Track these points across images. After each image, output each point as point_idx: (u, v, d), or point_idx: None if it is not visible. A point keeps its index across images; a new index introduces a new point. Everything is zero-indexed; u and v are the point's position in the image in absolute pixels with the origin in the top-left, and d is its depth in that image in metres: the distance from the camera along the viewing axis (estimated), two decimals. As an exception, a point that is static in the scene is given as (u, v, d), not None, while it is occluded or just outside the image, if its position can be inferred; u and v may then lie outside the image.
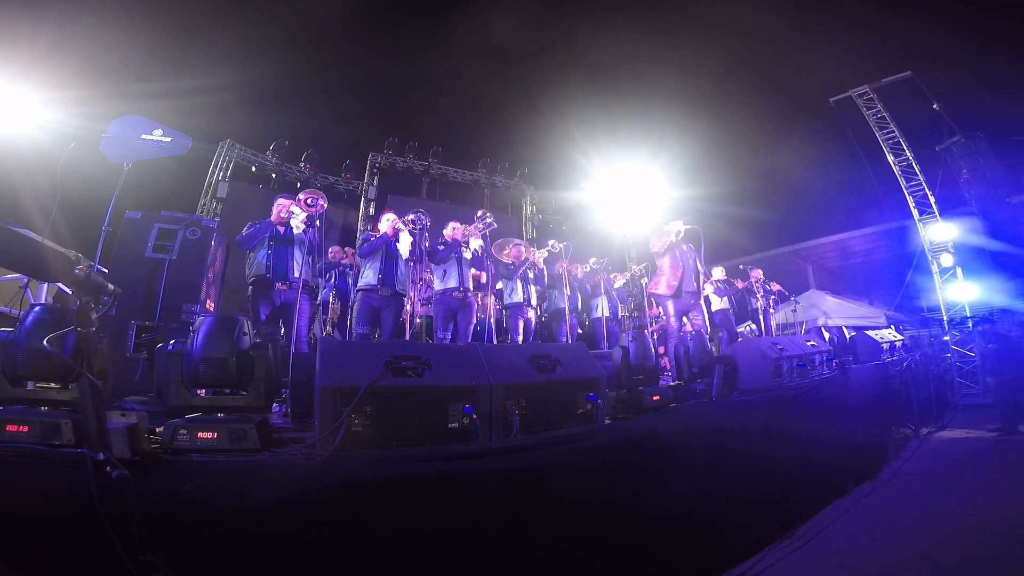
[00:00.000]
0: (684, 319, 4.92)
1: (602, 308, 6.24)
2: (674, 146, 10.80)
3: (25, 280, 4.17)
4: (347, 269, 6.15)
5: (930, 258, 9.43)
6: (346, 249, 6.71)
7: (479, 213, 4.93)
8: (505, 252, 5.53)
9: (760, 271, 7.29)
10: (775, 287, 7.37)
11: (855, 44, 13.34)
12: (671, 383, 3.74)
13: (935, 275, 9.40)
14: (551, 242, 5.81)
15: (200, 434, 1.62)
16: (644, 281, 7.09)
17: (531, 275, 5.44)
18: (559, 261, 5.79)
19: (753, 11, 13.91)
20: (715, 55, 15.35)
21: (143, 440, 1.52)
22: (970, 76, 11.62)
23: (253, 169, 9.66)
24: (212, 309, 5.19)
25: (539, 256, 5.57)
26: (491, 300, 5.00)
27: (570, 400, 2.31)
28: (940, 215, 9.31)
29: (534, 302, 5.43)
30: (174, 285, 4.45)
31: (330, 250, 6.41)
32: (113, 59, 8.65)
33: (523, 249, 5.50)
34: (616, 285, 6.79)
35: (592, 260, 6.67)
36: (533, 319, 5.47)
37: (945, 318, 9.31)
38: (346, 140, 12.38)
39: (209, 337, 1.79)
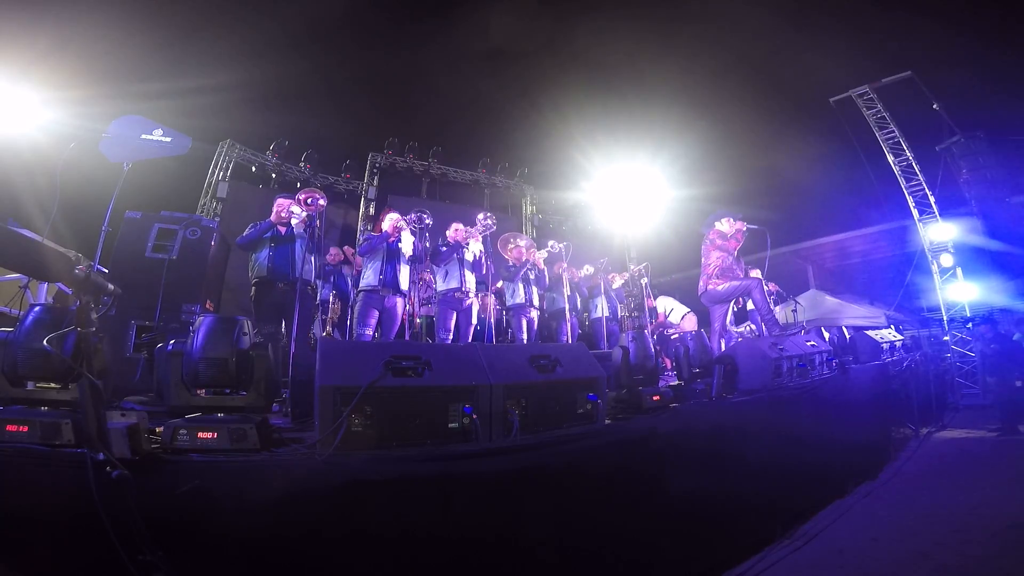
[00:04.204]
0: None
1: (602, 308, 6.26)
2: (674, 146, 10.77)
3: (25, 280, 4.17)
4: (343, 271, 6.17)
5: (930, 258, 9.42)
6: (345, 249, 6.71)
7: (480, 216, 4.93)
8: (510, 247, 5.53)
9: (759, 271, 7.29)
10: (773, 287, 7.36)
11: (855, 44, 13.33)
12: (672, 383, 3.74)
13: (935, 275, 9.40)
14: (551, 243, 5.80)
15: (200, 434, 1.62)
16: (644, 281, 7.09)
17: (532, 276, 5.44)
18: (559, 262, 5.79)
19: (753, 11, 13.89)
20: (715, 55, 15.34)
21: (143, 440, 1.52)
22: (970, 76, 11.60)
23: (253, 169, 9.65)
24: (212, 309, 5.20)
25: (539, 256, 5.57)
26: (491, 300, 4.99)
27: (570, 400, 2.31)
28: (940, 215, 9.31)
29: (536, 302, 5.42)
30: (174, 285, 4.45)
31: (330, 250, 6.41)
32: (113, 59, 8.64)
33: (524, 250, 5.49)
34: (615, 285, 6.79)
35: (586, 267, 6.68)
36: (536, 319, 5.47)
37: (945, 318, 9.31)
38: (346, 140, 12.38)
39: (209, 337, 1.79)
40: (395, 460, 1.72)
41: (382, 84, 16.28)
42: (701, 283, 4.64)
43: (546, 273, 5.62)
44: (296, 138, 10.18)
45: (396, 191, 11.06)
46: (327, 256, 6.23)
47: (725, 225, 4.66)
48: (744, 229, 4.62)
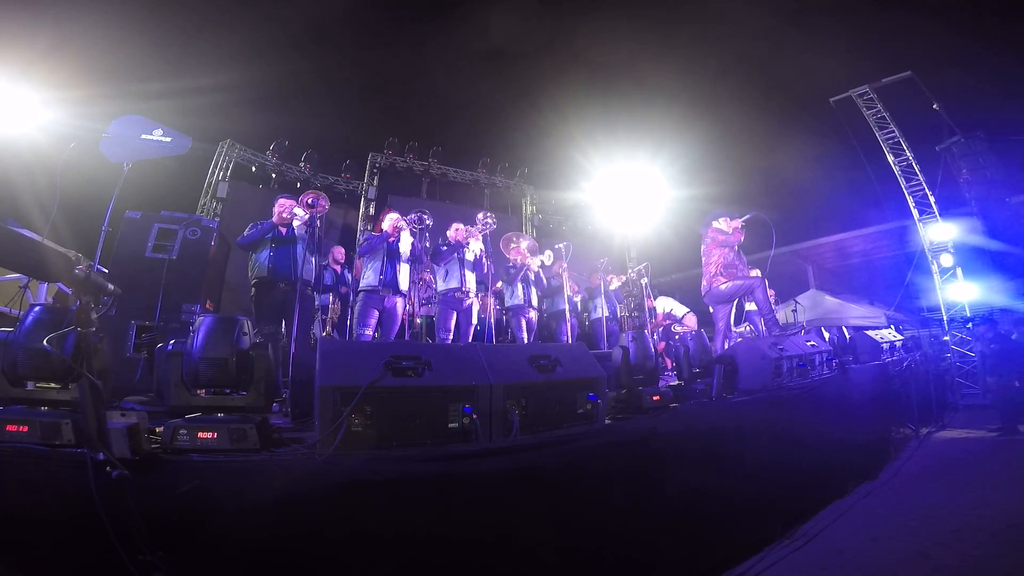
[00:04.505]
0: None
1: (601, 309, 6.28)
2: (674, 146, 10.75)
3: (25, 280, 4.17)
4: (344, 271, 6.15)
5: (930, 258, 9.43)
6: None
7: (480, 215, 4.92)
8: (512, 246, 5.52)
9: (758, 271, 7.29)
10: (770, 294, 7.35)
11: (855, 44, 13.36)
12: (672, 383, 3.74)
13: (935, 275, 9.40)
14: (546, 252, 5.69)
15: (200, 434, 1.62)
16: (644, 281, 7.09)
17: (531, 276, 5.42)
18: (559, 261, 5.79)
19: (753, 11, 13.90)
20: (715, 55, 15.35)
21: (143, 440, 1.52)
22: (970, 76, 11.61)
23: (253, 169, 9.64)
24: (212, 309, 5.20)
25: (534, 264, 5.46)
26: (491, 300, 4.99)
27: (570, 400, 2.31)
28: (940, 215, 9.31)
29: (535, 303, 5.41)
30: (174, 285, 4.46)
31: (335, 250, 6.37)
32: (113, 59, 8.63)
33: (525, 251, 5.48)
34: (612, 287, 6.80)
35: (579, 297, 6.61)
36: (535, 319, 5.47)
37: (945, 318, 9.31)
38: (346, 140, 12.37)
39: (209, 337, 1.79)
40: (395, 460, 1.72)
41: (382, 84, 16.29)
42: (704, 283, 4.63)
43: (542, 276, 5.54)
44: (296, 138, 10.18)
45: (396, 191, 11.06)
46: (332, 254, 6.19)
47: (723, 224, 4.66)
48: (741, 226, 4.63)
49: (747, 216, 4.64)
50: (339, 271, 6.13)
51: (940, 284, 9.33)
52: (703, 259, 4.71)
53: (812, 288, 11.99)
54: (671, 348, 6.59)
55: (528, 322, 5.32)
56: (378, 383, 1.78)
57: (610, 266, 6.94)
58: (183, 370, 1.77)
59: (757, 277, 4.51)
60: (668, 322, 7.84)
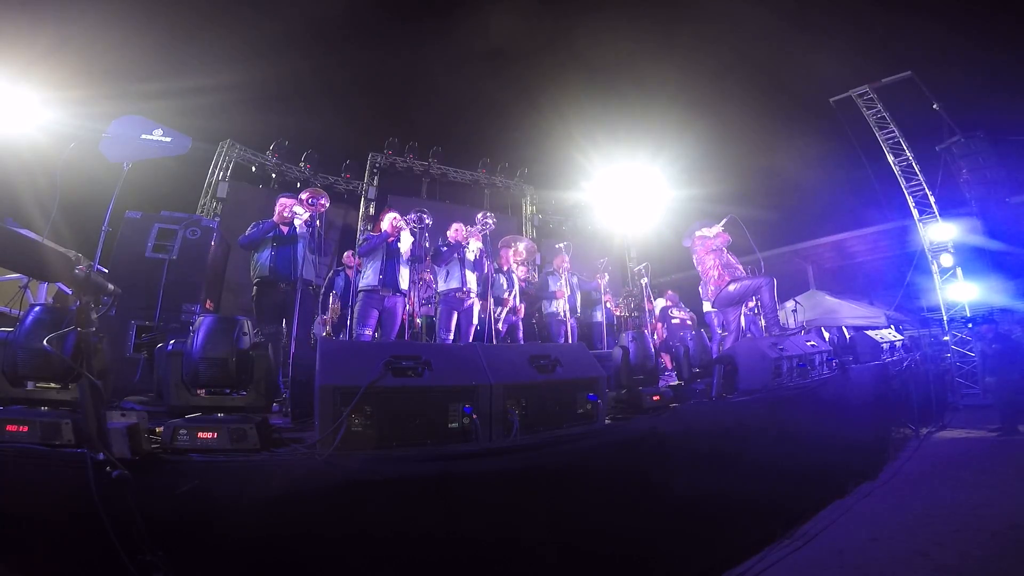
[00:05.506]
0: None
1: (601, 314, 6.36)
2: (674, 146, 10.75)
3: (25, 280, 4.17)
4: (357, 274, 6.10)
5: (930, 258, 9.43)
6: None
7: (479, 215, 4.91)
8: (510, 248, 5.51)
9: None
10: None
11: (855, 44, 13.35)
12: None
13: (935, 275, 9.40)
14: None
15: (200, 434, 1.62)
16: (644, 281, 7.09)
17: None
18: (559, 256, 5.79)
19: (753, 11, 13.91)
20: (715, 55, 15.37)
21: (143, 440, 1.52)
22: (970, 76, 11.62)
23: (253, 169, 9.65)
24: (212, 309, 5.20)
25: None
26: (490, 300, 4.97)
27: (570, 400, 2.31)
28: (940, 215, 9.31)
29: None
30: (174, 285, 4.47)
31: (346, 255, 6.30)
32: (113, 59, 8.64)
33: (520, 251, 5.47)
34: (607, 305, 6.82)
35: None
36: (519, 319, 5.45)
37: (945, 318, 9.31)
38: (346, 140, 12.43)
39: (209, 337, 1.79)
40: (395, 460, 1.72)
41: (382, 84, 16.33)
42: (712, 288, 4.64)
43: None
44: (296, 138, 10.21)
45: (396, 191, 11.06)
46: (345, 259, 6.14)
47: (706, 231, 4.72)
48: (723, 229, 4.68)
49: (724, 220, 4.70)
50: (352, 276, 6.07)
51: (940, 284, 9.32)
52: (699, 268, 4.77)
53: (812, 288, 11.98)
54: (670, 344, 6.59)
55: (513, 324, 5.26)
56: (378, 383, 1.78)
57: (610, 265, 6.94)
58: (183, 370, 1.77)
59: (766, 277, 4.53)
60: (670, 303, 7.76)
